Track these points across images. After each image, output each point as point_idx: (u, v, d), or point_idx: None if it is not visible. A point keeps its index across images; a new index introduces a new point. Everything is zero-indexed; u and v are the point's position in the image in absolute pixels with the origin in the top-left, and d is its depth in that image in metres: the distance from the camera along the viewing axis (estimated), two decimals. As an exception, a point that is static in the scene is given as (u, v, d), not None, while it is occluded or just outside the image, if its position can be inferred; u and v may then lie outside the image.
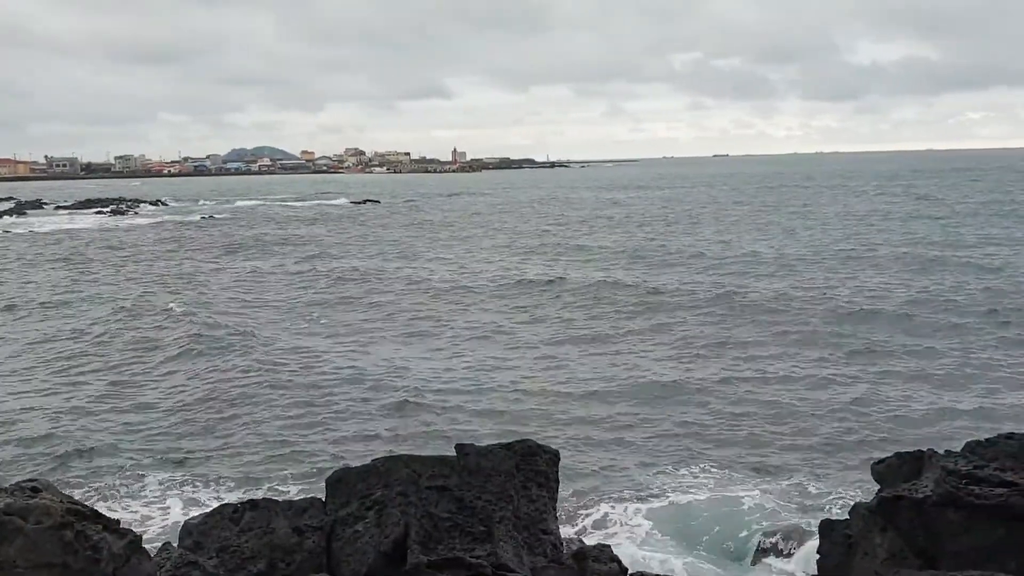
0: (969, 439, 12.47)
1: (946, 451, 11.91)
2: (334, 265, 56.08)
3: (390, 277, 49.87)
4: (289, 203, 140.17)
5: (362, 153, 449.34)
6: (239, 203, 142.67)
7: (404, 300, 42.06)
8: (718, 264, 51.64)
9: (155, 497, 18.52)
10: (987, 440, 11.95)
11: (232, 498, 16.53)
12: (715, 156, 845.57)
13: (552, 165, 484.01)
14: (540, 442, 13.14)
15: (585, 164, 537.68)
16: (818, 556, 12.31)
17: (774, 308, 36.51)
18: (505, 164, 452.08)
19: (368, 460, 13.03)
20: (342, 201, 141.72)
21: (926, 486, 10.98)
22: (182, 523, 12.97)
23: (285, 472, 19.78)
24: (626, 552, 14.99)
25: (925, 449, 12.17)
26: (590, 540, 14.97)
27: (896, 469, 11.91)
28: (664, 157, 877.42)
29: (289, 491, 18.16)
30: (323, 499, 12.46)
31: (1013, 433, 12.00)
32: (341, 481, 12.33)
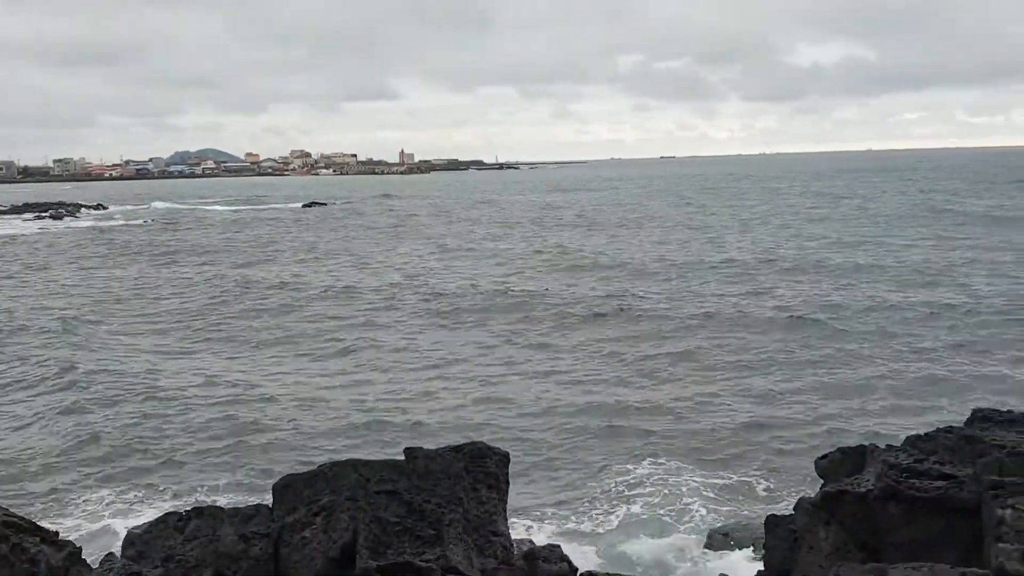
0: (909, 434, 12.75)
1: (887, 445, 12.15)
2: (269, 271, 55.53)
3: (319, 284, 49.25)
4: (232, 207, 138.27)
5: (308, 155, 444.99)
6: (178, 206, 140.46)
7: (338, 308, 41.71)
8: (646, 270, 51.78)
9: (95, 510, 18.12)
10: (926, 434, 12.22)
11: (177, 507, 16.24)
12: (662, 158, 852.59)
13: (501, 167, 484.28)
14: (490, 444, 13.13)
15: (534, 166, 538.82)
16: (764, 551, 12.47)
17: (699, 313, 37.12)
18: (453, 165, 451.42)
19: (316, 466, 12.88)
20: (291, 204, 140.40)
21: (868, 480, 11.18)
22: (125, 533, 12.70)
23: (230, 480, 19.52)
24: (576, 551, 15.05)
25: (867, 444, 12.39)
26: (540, 540, 14.99)
27: (839, 464, 12.10)
28: (611, 159, 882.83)
29: (235, 499, 17.91)
30: (270, 506, 12.29)
31: (951, 427, 12.29)
32: (288, 487, 12.16)
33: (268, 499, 12.56)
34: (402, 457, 12.37)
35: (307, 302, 42.47)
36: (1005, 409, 12.88)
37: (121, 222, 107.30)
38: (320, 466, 12.52)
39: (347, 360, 30.31)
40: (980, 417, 12.58)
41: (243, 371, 28.90)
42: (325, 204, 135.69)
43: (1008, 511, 9.82)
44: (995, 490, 10.26)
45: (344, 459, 12.66)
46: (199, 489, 19.08)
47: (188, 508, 12.46)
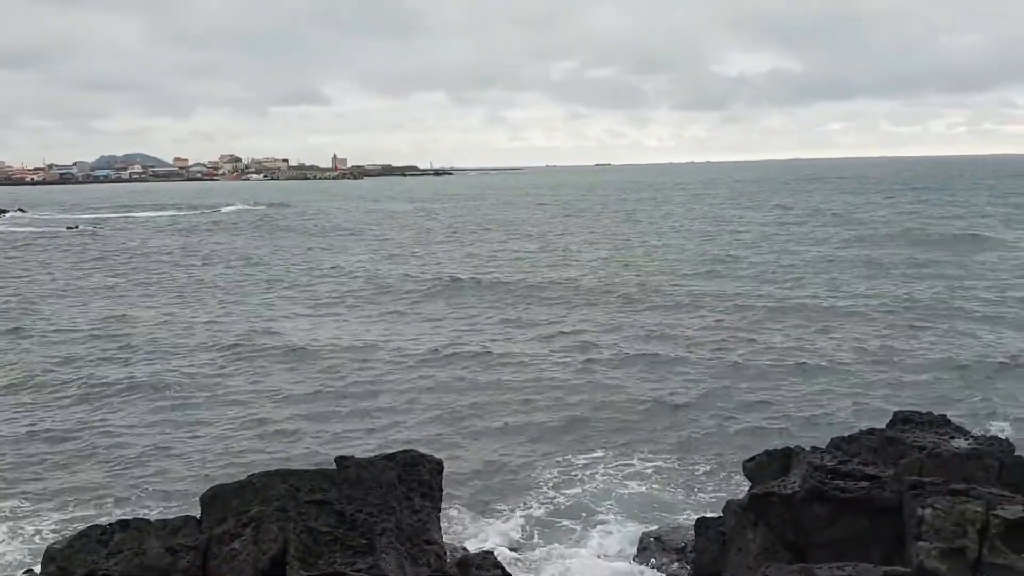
0: (834, 435, 13.08)
1: (812, 447, 12.44)
2: (187, 275, 54.54)
3: (246, 285, 48.79)
4: (159, 212, 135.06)
5: (238, 160, 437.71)
6: (104, 215, 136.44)
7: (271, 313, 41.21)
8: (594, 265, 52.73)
9: (10, 528, 17.51)
10: (850, 436, 12.56)
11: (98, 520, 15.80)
12: (598, 165, 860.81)
13: (437, 172, 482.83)
14: (423, 451, 13.08)
15: (470, 172, 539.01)
16: (694, 553, 12.64)
17: (634, 312, 37.56)
18: (388, 171, 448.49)
19: (244, 476, 12.67)
20: (229, 208, 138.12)
21: (794, 482, 11.43)
22: (45, 548, 12.30)
23: (156, 491, 19.08)
24: (510, 557, 15.07)
25: (793, 446, 12.66)
26: (474, 547, 14.96)
27: (766, 466, 12.35)
28: (547, 166, 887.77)
29: (160, 510, 17.49)
30: (198, 517, 12.05)
31: (874, 429, 12.65)
32: (216, 498, 11.95)
33: (196, 510, 12.33)
34: (333, 466, 12.26)
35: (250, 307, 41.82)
36: (924, 411, 13.30)
37: (87, 227, 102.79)
38: (249, 476, 12.33)
39: (273, 365, 29.87)
40: (901, 419, 12.97)
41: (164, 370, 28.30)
42: (252, 210, 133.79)
43: (928, 510, 10.13)
44: (915, 490, 10.59)
45: (274, 469, 12.48)
46: (123, 501, 18.58)
47: (112, 521, 12.14)
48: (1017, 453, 12.29)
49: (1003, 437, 12.46)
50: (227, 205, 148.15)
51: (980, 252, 55.41)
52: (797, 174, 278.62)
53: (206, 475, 19.63)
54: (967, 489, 10.45)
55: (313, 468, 12.62)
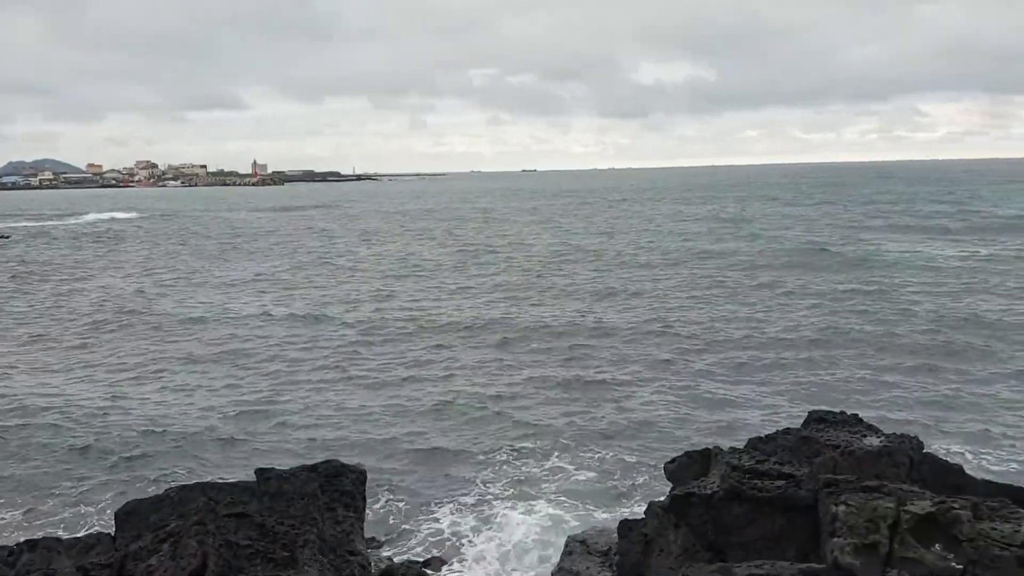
0: (752, 435, 13.35)
1: (731, 448, 12.67)
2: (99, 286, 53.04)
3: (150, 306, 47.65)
4: (70, 220, 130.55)
5: (154, 166, 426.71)
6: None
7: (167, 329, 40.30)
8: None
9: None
10: (767, 436, 12.83)
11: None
12: (524, 171, 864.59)
13: (359, 178, 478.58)
14: (346, 461, 12.92)
15: (393, 178, 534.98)
16: (617, 556, 12.75)
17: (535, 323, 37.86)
18: (309, 177, 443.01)
19: (161, 490, 12.35)
20: (130, 215, 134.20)
21: (713, 482, 11.62)
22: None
23: (66, 508, 18.47)
24: (435, 565, 15.00)
25: (712, 447, 12.88)
26: (399, 557, 14.86)
27: (686, 467, 12.53)
28: (472, 171, 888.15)
29: (73, 528, 16.94)
30: (112, 534, 11.68)
31: (789, 429, 12.95)
32: (132, 513, 11.60)
33: (110, 527, 11.96)
34: (253, 478, 12.03)
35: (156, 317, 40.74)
36: (838, 411, 13.66)
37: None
38: (167, 490, 12.02)
39: (192, 377, 29.22)
40: (816, 419, 13.31)
41: (70, 392, 27.39)
42: (170, 217, 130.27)
43: (841, 507, 10.40)
44: (829, 488, 10.86)
45: (192, 482, 12.18)
46: (31, 520, 17.93)
47: (19, 541, 11.69)
48: (925, 450, 12.75)
49: (912, 435, 12.86)
50: (96, 213, 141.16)
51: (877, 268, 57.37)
52: (710, 180, 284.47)
53: (122, 492, 19.10)
54: (879, 486, 10.76)
55: (233, 481, 12.35)
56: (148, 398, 26.66)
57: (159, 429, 23.50)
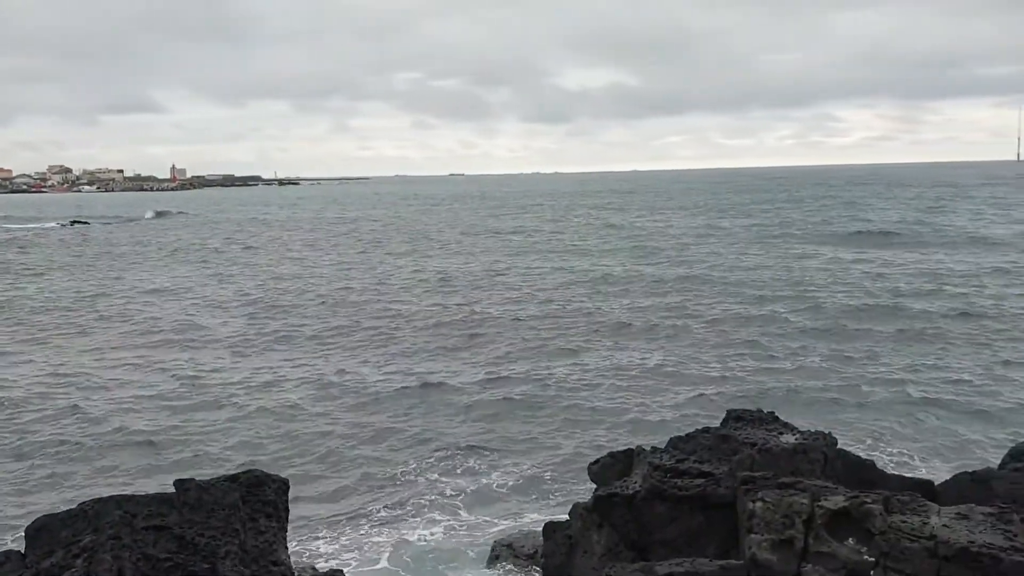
0: (673, 435, 13.59)
1: (652, 447, 12.88)
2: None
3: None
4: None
5: (68, 171, 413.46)
6: None
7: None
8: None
9: None
10: (687, 435, 13.08)
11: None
12: (452, 175, 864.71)
13: (281, 183, 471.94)
14: (268, 471, 12.73)
15: (317, 182, 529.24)
16: (543, 558, 12.84)
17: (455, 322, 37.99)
18: (230, 181, 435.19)
19: (75, 505, 11.98)
20: (50, 224, 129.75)
21: (636, 482, 11.80)
22: None
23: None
24: (359, 573, 14.90)
25: (635, 447, 13.07)
26: (324, 566, 14.69)
27: (610, 468, 12.70)
28: (397, 175, 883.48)
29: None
30: (22, 551, 11.29)
31: (708, 428, 13.22)
32: (43, 529, 11.22)
33: (20, 544, 11.56)
34: (172, 489, 11.76)
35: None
36: (755, 409, 14.01)
37: None
38: (80, 504, 11.66)
39: (104, 387, 28.45)
40: (734, 417, 13.63)
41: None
42: (87, 223, 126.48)
43: (758, 504, 10.67)
44: (747, 485, 11.13)
45: (107, 495, 11.85)
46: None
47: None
48: (839, 446, 13.15)
49: (826, 431, 13.26)
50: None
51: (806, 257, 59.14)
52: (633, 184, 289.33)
53: (32, 508, 18.48)
54: (794, 482, 11.07)
55: (151, 493, 12.05)
56: (54, 411, 25.82)
57: (72, 441, 22.83)
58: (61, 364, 31.97)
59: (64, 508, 12.18)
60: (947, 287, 44.04)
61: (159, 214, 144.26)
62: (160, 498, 11.59)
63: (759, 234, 77.91)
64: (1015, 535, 9.59)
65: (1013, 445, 13.97)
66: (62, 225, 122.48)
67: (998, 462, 13.78)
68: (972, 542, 9.41)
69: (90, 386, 28.69)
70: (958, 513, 10.18)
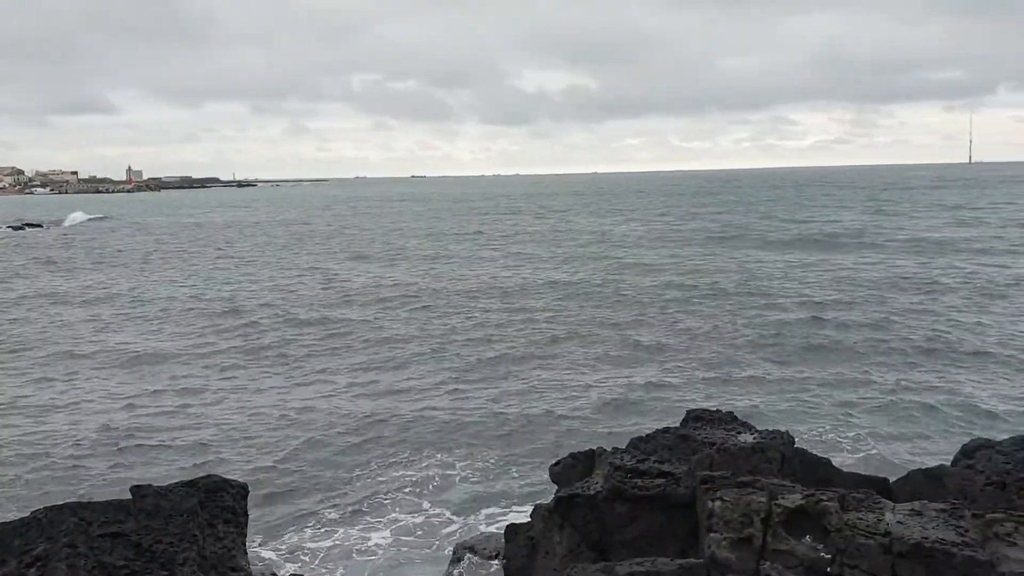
0: (633, 435, 13.66)
1: (613, 448, 12.93)
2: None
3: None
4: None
5: (20, 172, 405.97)
6: None
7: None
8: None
9: None
10: (647, 435, 13.16)
11: None
12: (413, 177, 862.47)
13: (240, 184, 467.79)
14: (227, 476, 12.61)
15: (276, 184, 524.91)
16: (504, 560, 12.84)
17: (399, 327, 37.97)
18: (187, 183, 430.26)
19: (27, 513, 11.76)
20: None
21: (597, 483, 11.84)
22: None
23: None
24: (321, 578, 14.80)
25: (595, 447, 13.12)
26: (284, 570, 14.59)
27: (571, 468, 12.73)
28: (357, 177, 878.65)
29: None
30: (-27, 562, 11.06)
31: (668, 427, 13.31)
32: (-6, 539, 11.01)
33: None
34: (128, 496, 11.59)
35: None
36: (714, 408, 14.14)
37: None
38: (33, 512, 11.45)
39: (65, 388, 28.00)
40: (693, 417, 13.73)
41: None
42: (40, 226, 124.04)
43: (717, 503, 10.76)
44: (706, 484, 11.21)
45: (61, 503, 11.65)
46: None
47: None
48: (796, 445, 13.31)
49: (783, 430, 13.41)
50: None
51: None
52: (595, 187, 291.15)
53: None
54: (752, 481, 11.18)
55: (107, 500, 11.87)
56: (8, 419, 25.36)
57: (25, 449, 22.42)
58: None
59: (16, 517, 11.96)
60: (904, 284, 44.92)
61: (91, 220, 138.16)
62: (116, 505, 11.41)
63: (707, 237, 78.67)
64: (966, 531, 9.77)
65: (965, 442, 14.23)
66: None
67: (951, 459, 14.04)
68: (925, 538, 9.57)
69: (39, 395, 28.23)
70: (912, 510, 10.35)
